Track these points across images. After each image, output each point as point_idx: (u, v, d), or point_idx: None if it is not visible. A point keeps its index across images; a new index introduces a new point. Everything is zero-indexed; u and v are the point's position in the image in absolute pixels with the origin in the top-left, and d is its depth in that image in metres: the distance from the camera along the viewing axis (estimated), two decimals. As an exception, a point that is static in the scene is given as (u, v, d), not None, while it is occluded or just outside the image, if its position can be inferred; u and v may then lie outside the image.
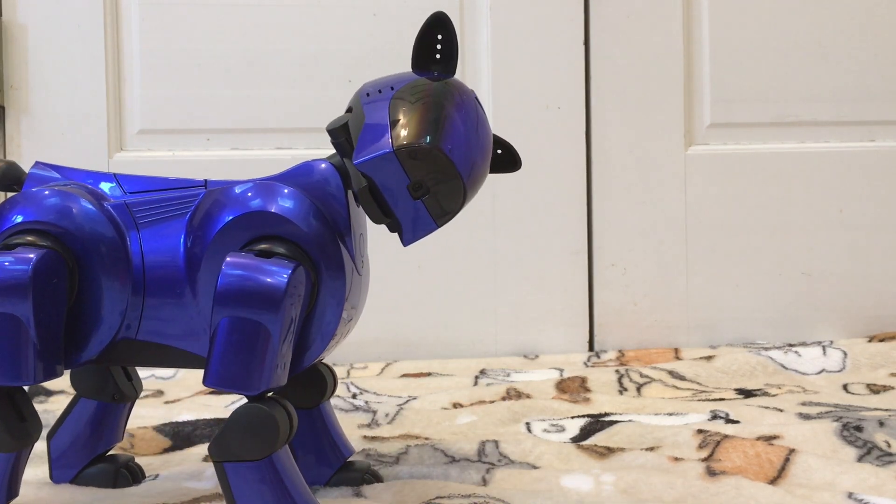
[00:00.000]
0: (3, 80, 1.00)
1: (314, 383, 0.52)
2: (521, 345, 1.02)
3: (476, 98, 0.46)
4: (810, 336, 1.03)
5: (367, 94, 0.45)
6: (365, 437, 0.65)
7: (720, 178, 1.04)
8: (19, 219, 0.44)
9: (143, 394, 0.86)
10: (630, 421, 0.65)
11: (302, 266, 0.42)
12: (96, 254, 0.44)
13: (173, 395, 0.84)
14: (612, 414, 0.69)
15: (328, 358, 0.53)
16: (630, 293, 1.03)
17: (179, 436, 0.64)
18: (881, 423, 0.60)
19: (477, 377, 0.88)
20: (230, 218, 0.43)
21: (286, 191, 0.45)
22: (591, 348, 1.03)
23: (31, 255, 0.42)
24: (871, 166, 1.05)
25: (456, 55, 0.45)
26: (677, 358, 0.95)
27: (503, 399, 0.76)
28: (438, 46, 0.45)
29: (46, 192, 0.45)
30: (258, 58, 1.00)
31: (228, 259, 0.42)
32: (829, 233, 1.05)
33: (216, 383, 0.41)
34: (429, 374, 0.90)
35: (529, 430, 0.66)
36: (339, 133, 0.45)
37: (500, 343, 1.01)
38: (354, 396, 0.79)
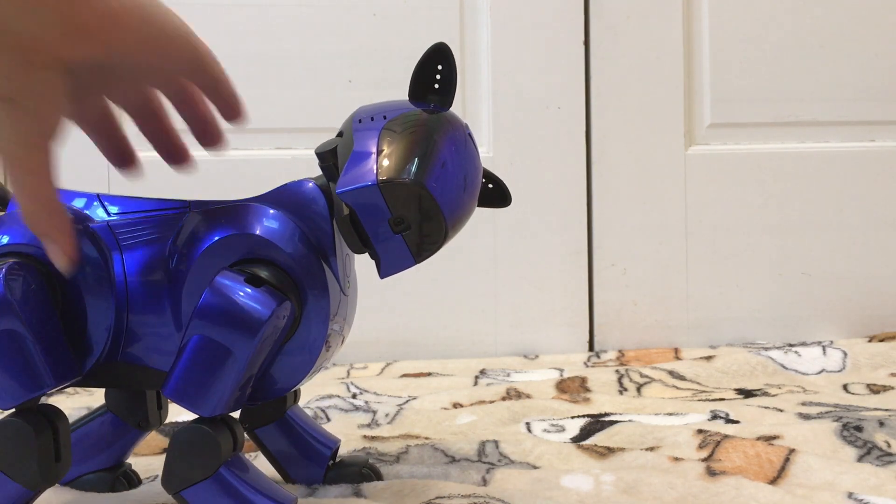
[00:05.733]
0: (3, 80, 0.99)
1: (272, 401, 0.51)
2: (521, 345, 1.02)
3: (469, 133, 0.45)
4: (810, 336, 1.03)
5: (360, 121, 0.44)
6: (365, 436, 0.65)
7: (720, 178, 1.04)
8: (5, 240, 0.43)
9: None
10: (630, 421, 0.65)
11: (288, 301, 0.42)
12: (80, 275, 0.43)
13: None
14: (612, 414, 0.69)
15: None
16: (630, 293, 1.03)
17: (179, 436, 0.64)
18: (881, 423, 0.60)
19: (477, 377, 0.88)
20: (216, 239, 0.43)
21: (272, 212, 0.44)
22: (591, 348, 1.03)
23: (1, 269, 0.41)
24: (871, 166, 1.05)
25: (454, 88, 0.44)
26: (677, 358, 0.95)
27: (503, 399, 0.76)
28: (438, 77, 0.44)
29: None
30: (258, 58, 1.00)
31: (218, 278, 0.41)
32: (829, 233, 1.05)
33: (172, 395, 0.41)
34: (429, 374, 0.90)
35: (529, 430, 0.66)
36: (328, 157, 0.44)
37: (500, 343, 1.01)
38: (354, 396, 0.79)
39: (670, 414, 0.69)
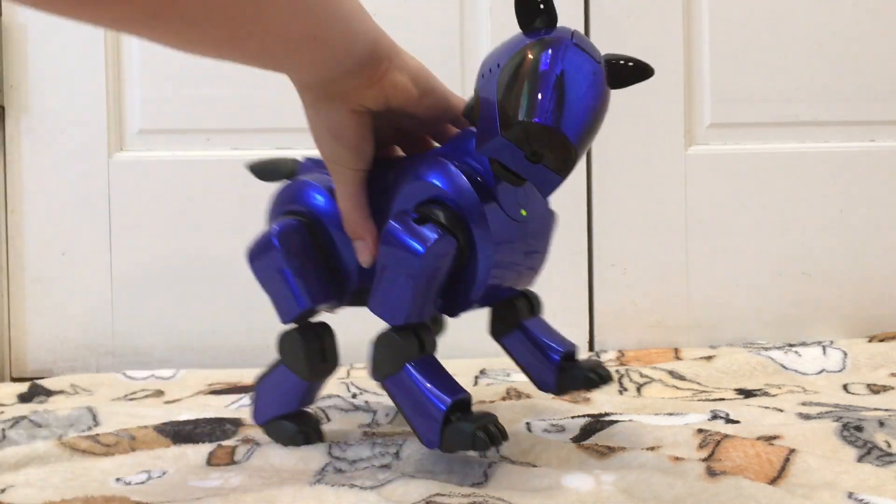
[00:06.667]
0: (3, 80, 1.00)
1: (505, 312, 0.60)
2: (521, 345, 1.02)
3: (574, 43, 0.50)
4: (810, 336, 1.03)
5: (483, 76, 0.51)
6: (365, 433, 0.65)
7: (720, 178, 1.04)
8: (292, 206, 0.58)
9: (143, 394, 0.86)
10: (630, 421, 0.65)
11: (448, 236, 0.50)
12: (336, 228, 0.56)
13: (173, 395, 0.84)
14: (612, 414, 0.69)
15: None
16: (630, 293, 1.03)
17: (180, 435, 0.64)
18: (881, 423, 0.60)
19: (477, 377, 0.88)
20: (406, 186, 0.53)
21: (448, 163, 0.53)
22: (591, 348, 1.03)
23: (276, 226, 0.56)
24: (871, 166, 1.06)
25: (553, 5, 0.51)
26: (677, 358, 0.95)
27: (503, 399, 0.76)
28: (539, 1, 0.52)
29: (307, 182, 0.59)
30: (258, 58, 0.99)
31: (392, 219, 0.52)
32: (829, 233, 1.05)
33: (372, 310, 0.52)
34: (429, 374, 0.90)
35: (529, 430, 0.66)
36: (472, 117, 0.52)
37: (500, 343, 1.01)
38: (354, 396, 0.79)
39: (670, 414, 0.69)
